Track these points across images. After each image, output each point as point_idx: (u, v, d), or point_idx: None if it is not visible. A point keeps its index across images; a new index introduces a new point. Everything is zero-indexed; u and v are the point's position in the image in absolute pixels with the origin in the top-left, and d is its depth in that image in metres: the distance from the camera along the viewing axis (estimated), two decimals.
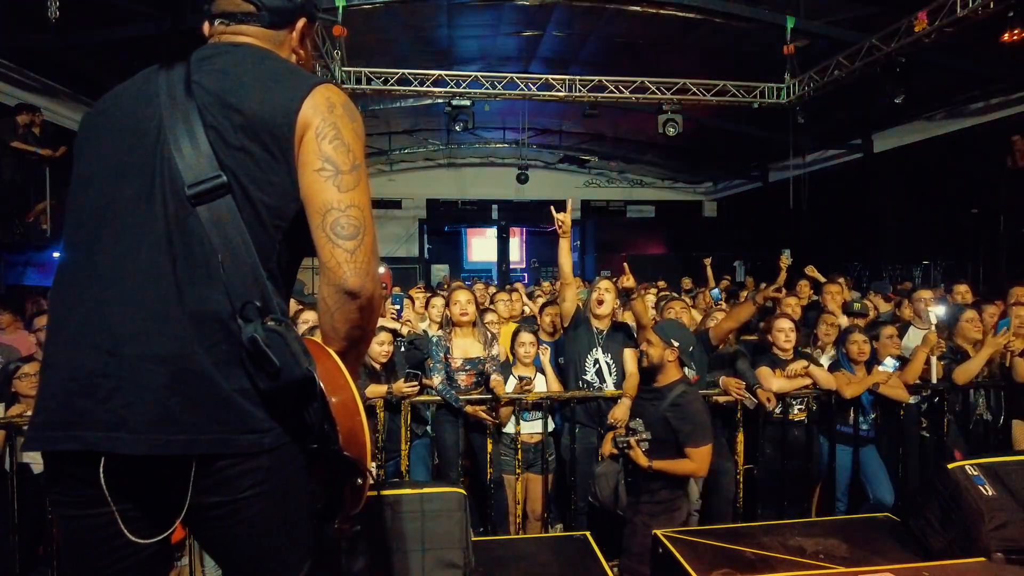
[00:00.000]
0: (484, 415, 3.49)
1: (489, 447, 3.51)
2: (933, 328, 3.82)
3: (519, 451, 3.52)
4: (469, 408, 3.49)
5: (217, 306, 1.14)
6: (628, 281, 3.59)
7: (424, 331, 4.67)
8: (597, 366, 3.69)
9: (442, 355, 3.67)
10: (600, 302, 3.73)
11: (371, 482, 1.22)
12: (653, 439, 2.98)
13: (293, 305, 4.20)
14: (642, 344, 3.20)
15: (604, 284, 3.79)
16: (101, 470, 1.10)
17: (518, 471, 3.50)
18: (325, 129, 1.19)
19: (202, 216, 1.14)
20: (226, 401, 1.13)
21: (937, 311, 3.93)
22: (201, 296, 1.14)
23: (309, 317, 3.64)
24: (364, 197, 1.21)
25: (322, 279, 1.20)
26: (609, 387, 3.65)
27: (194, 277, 1.14)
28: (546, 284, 9.08)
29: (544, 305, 4.82)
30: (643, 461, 2.94)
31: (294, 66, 1.33)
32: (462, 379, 3.66)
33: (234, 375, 1.14)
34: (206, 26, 1.36)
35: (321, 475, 1.22)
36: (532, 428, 3.70)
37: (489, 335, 3.79)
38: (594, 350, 3.68)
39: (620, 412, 3.41)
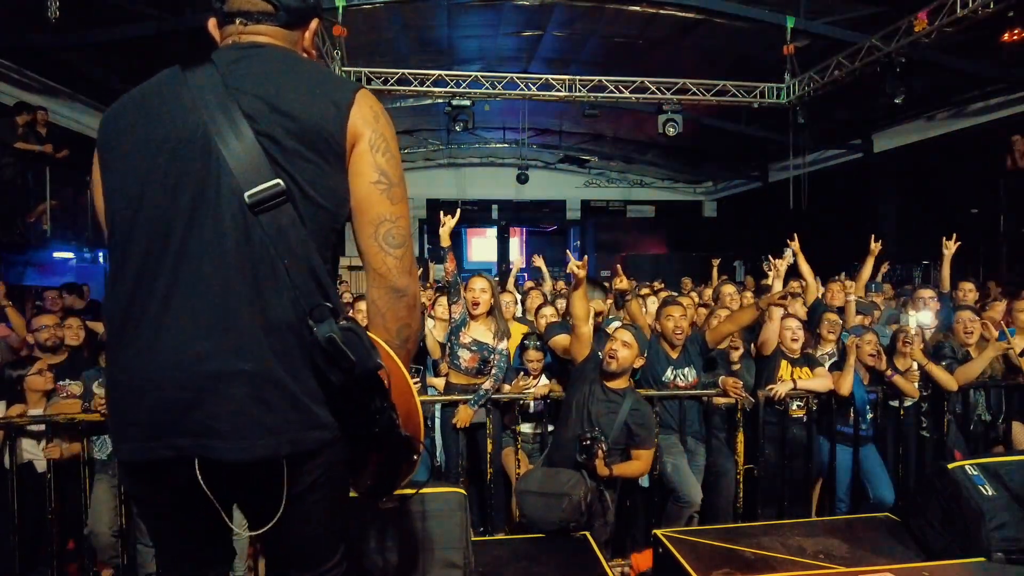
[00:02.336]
0: (466, 423, 3.53)
1: (490, 447, 3.51)
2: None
3: (518, 447, 3.52)
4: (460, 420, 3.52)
5: (285, 313, 1.18)
6: (622, 283, 3.56)
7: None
8: None
9: (463, 331, 3.68)
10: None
11: (420, 457, 1.31)
12: (612, 445, 2.99)
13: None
14: (615, 344, 3.13)
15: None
16: (198, 472, 1.16)
17: (518, 457, 3.50)
18: (377, 141, 1.26)
19: (264, 223, 1.17)
20: (297, 403, 1.19)
21: (921, 318, 3.92)
22: (269, 305, 1.18)
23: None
24: (407, 207, 1.31)
25: (372, 283, 1.29)
26: None
27: (261, 287, 1.17)
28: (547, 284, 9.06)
29: (539, 307, 4.82)
30: (604, 470, 2.92)
31: (327, 70, 1.37)
32: (466, 357, 3.65)
33: (303, 377, 1.19)
34: (213, 23, 1.34)
35: (380, 457, 1.29)
36: (532, 425, 3.71)
37: (502, 329, 3.74)
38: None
39: None
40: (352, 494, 1.41)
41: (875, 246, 5.11)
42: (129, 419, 1.20)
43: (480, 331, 3.71)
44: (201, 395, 1.14)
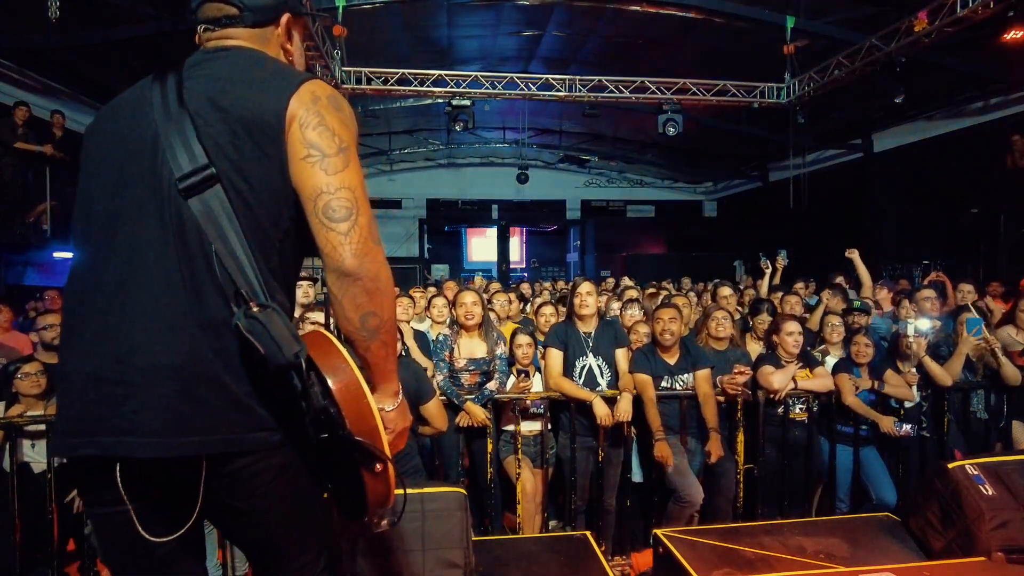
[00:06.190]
0: (483, 419, 3.48)
1: (489, 447, 3.50)
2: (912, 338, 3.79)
3: (519, 449, 3.52)
4: (463, 418, 3.50)
5: (224, 312, 1.15)
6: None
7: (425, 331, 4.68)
8: (587, 372, 3.65)
9: (445, 354, 3.66)
10: (584, 305, 3.65)
11: (391, 468, 1.20)
12: None
13: None
14: None
15: (585, 287, 3.71)
16: (117, 473, 1.14)
17: (519, 458, 3.50)
18: (308, 118, 1.19)
19: (194, 208, 1.15)
20: (236, 403, 1.16)
21: (919, 325, 3.87)
22: (209, 302, 1.16)
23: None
24: (354, 178, 1.20)
25: (324, 268, 1.21)
26: (603, 389, 3.61)
27: (199, 282, 1.16)
28: (548, 284, 9.12)
29: (540, 306, 4.84)
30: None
31: (284, 66, 1.33)
32: (466, 378, 3.65)
33: (243, 377, 1.17)
34: (197, 35, 1.38)
35: (340, 466, 1.21)
36: (531, 425, 3.70)
37: (495, 335, 3.77)
38: (582, 357, 3.65)
39: (623, 406, 3.39)
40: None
41: (849, 253, 5.54)
42: (65, 413, 1.19)
43: (473, 346, 3.71)
44: (132, 389, 1.13)
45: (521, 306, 5.71)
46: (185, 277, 1.15)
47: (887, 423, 3.60)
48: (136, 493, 1.17)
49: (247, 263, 1.16)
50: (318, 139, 1.18)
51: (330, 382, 1.14)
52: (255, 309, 1.12)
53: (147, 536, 1.18)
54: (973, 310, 4.05)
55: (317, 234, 1.18)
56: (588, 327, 3.67)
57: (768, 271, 6.15)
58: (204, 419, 1.14)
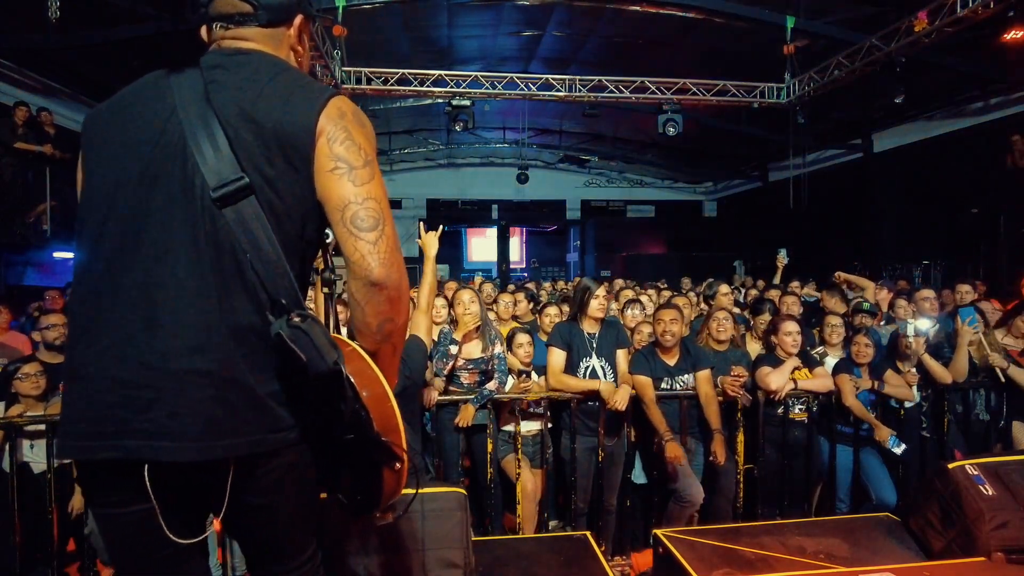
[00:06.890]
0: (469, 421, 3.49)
1: (489, 447, 3.50)
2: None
3: (518, 449, 3.52)
4: (462, 418, 3.50)
5: (250, 314, 1.19)
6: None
7: None
8: (591, 373, 3.64)
9: (448, 345, 3.65)
10: (601, 308, 3.63)
11: (408, 466, 1.25)
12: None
13: None
14: None
15: (603, 290, 3.67)
16: (146, 474, 1.15)
17: (518, 457, 3.50)
18: (336, 133, 1.23)
19: (229, 218, 1.17)
20: (261, 405, 1.19)
21: (919, 325, 3.85)
22: (239, 308, 1.18)
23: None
24: (380, 190, 1.26)
25: (349, 275, 1.25)
26: None
27: (231, 289, 1.18)
28: (547, 285, 9.12)
29: (543, 306, 4.85)
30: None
31: (307, 78, 1.35)
32: (465, 377, 3.66)
33: (267, 379, 1.20)
34: (204, 30, 1.36)
35: (357, 465, 1.25)
36: (531, 425, 3.71)
37: (492, 333, 3.78)
38: (586, 358, 3.64)
39: (620, 396, 3.38)
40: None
41: (838, 276, 5.64)
42: (78, 415, 1.19)
43: (471, 345, 3.71)
44: (163, 393, 1.14)
45: (531, 306, 5.67)
46: (217, 284, 1.17)
47: (884, 433, 3.54)
48: (157, 493, 1.18)
49: (283, 270, 1.19)
50: (345, 152, 1.22)
51: (359, 387, 1.17)
52: (296, 319, 1.15)
53: (173, 537, 1.21)
54: (986, 313, 4.03)
55: (344, 242, 1.22)
56: (593, 328, 3.66)
57: (782, 265, 6.34)
58: (232, 422, 1.16)
